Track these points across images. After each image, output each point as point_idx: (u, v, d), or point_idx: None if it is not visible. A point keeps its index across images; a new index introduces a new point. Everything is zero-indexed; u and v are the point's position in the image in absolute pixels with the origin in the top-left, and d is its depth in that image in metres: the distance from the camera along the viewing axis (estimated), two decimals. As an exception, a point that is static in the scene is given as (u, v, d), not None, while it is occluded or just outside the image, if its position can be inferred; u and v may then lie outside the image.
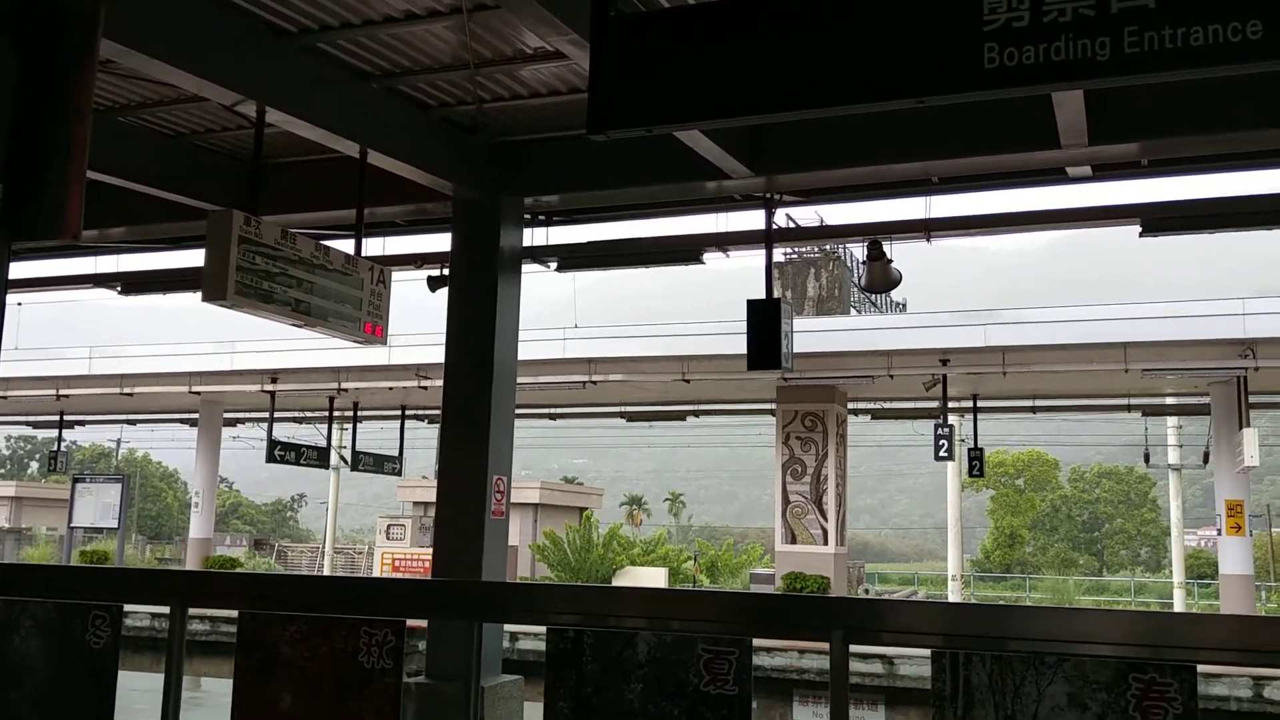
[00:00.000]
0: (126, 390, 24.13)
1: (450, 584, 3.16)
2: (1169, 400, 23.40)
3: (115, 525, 23.88)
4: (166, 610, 2.82)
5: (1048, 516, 65.79)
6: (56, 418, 29.19)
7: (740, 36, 3.34)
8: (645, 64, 3.43)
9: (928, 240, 9.87)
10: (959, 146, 7.84)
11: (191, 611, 2.90)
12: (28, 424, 34.65)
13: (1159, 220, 9.01)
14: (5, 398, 25.22)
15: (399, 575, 26.38)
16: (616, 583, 25.85)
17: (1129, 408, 23.51)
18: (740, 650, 2.30)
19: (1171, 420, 28.38)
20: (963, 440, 24.63)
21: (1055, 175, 8.48)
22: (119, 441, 58.58)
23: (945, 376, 19.17)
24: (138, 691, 4.75)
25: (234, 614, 2.84)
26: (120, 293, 12.77)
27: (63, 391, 24.76)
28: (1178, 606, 29.01)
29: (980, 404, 22.21)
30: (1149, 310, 17.53)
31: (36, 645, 2.99)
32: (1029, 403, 23.45)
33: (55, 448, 30.66)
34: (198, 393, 24.63)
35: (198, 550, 27.44)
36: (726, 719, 2.30)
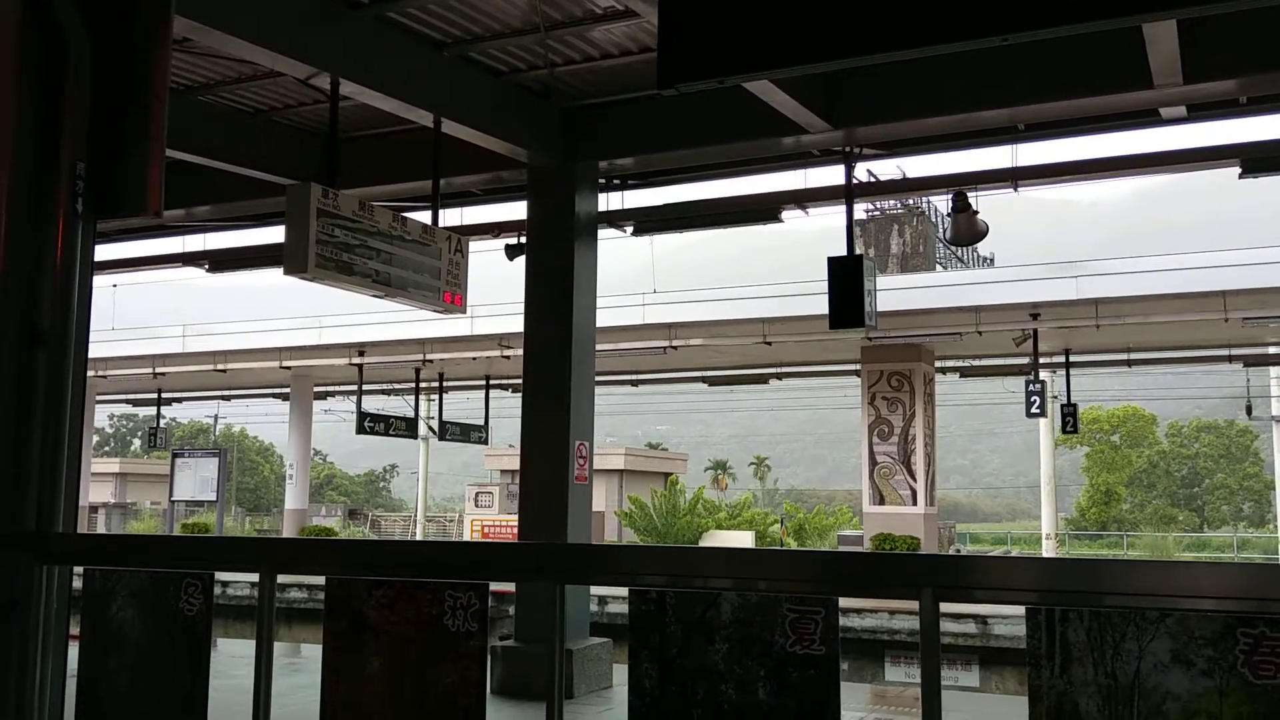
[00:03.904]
0: (220, 367, 24.79)
1: (530, 546, 3.14)
2: (1272, 350, 22.57)
3: (214, 498, 24.57)
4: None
5: (1145, 473, 64.36)
6: (155, 395, 30.14)
7: (812, -20, 3.22)
8: (715, 12, 3.33)
9: (1015, 190, 9.60)
10: (1046, 90, 7.57)
11: (291, 580, 2.93)
12: (129, 402, 35.87)
13: (1259, 160, 8.64)
14: (105, 377, 26.07)
15: (487, 540, 26.79)
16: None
17: (1229, 358, 22.71)
18: (827, 610, 2.24)
19: (1275, 370, 27.42)
20: (1055, 397, 24.08)
21: (1148, 117, 8.16)
22: (215, 417, 60.37)
23: (1036, 331, 18.72)
24: (239, 658, 4.87)
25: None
26: (208, 270, 13.05)
27: (159, 369, 25.52)
28: (1284, 562, 28.15)
29: (1073, 359, 21.65)
30: (1249, 256, 16.81)
31: (133, 614, 3.04)
32: (1124, 356, 22.79)
33: (155, 424, 31.61)
34: (288, 367, 25.20)
35: (294, 521, 28.16)
36: (814, 679, 2.25)
